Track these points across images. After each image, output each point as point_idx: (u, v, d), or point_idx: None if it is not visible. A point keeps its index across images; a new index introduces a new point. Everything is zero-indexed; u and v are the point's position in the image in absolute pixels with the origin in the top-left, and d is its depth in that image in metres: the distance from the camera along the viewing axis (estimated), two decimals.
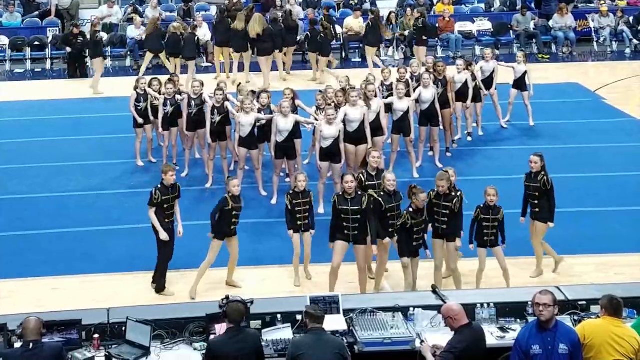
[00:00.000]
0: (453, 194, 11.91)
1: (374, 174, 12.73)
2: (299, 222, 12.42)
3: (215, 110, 15.73)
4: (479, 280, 12.22)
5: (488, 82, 18.60)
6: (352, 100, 15.11)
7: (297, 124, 15.28)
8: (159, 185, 12.25)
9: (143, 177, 16.60)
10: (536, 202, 12.56)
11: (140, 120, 16.71)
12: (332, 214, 12.03)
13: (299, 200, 12.38)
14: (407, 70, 17.36)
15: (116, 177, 16.70)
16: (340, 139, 14.73)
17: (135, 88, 16.89)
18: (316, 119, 15.50)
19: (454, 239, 11.93)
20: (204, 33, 24.50)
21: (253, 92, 16.60)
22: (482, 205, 11.98)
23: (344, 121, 14.96)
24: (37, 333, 8.29)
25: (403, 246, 11.78)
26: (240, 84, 18.03)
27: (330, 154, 14.72)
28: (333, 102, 15.64)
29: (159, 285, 12.36)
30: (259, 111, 15.58)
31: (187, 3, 26.75)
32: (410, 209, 11.66)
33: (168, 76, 17.44)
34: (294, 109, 15.83)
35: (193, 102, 16.17)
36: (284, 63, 23.85)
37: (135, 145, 17.11)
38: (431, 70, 17.33)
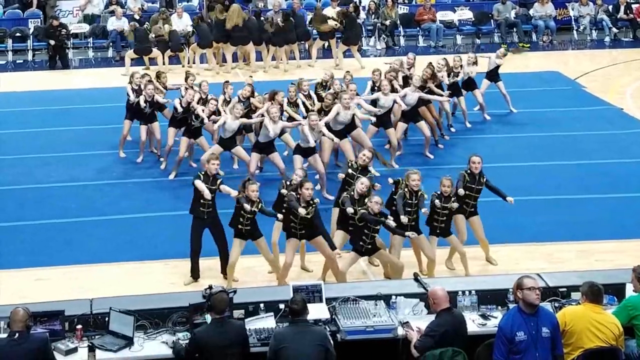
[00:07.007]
0: (420, 192, 11.86)
1: (358, 171, 12.67)
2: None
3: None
4: (429, 269, 12.12)
5: (465, 83, 18.48)
6: (344, 104, 15.08)
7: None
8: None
9: (126, 169, 16.59)
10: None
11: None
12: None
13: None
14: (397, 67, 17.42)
15: (100, 167, 16.65)
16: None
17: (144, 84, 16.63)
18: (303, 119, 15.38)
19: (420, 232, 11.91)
20: (185, 24, 24.41)
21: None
22: (437, 193, 11.93)
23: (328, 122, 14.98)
24: (23, 324, 8.31)
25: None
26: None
27: (306, 151, 14.64)
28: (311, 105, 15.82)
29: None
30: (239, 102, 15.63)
31: None
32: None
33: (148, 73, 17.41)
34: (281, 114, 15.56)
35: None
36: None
37: (120, 137, 17.02)
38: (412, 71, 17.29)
